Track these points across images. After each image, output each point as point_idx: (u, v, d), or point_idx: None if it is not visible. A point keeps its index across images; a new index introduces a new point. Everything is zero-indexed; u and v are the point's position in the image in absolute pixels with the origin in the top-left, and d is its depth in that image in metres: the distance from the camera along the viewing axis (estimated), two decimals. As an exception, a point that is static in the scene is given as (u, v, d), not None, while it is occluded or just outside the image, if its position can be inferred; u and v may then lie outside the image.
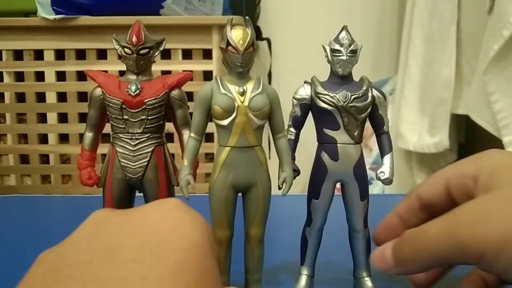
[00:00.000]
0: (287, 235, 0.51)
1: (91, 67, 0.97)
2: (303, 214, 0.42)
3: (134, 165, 0.39)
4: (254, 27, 0.38)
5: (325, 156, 0.40)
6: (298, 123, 0.41)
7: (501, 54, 0.90)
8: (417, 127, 1.22)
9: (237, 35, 0.37)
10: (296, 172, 0.41)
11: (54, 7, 0.97)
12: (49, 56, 1.03)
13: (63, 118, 1.06)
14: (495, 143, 0.96)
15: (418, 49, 1.21)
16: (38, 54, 1.04)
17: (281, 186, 0.39)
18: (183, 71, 0.56)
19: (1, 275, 0.46)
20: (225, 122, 0.37)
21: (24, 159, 1.08)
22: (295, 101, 0.41)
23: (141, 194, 0.41)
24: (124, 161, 0.39)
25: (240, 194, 0.39)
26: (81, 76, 1.03)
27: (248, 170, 0.38)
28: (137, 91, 0.39)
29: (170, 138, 0.42)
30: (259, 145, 0.38)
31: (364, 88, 0.39)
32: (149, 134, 0.39)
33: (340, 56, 0.39)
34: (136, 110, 0.39)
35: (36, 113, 1.05)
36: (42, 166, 1.08)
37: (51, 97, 1.05)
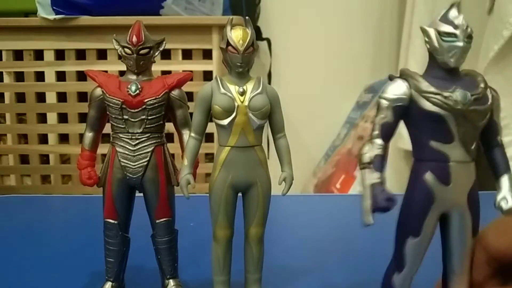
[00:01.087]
0: (287, 235, 0.51)
1: (91, 67, 0.97)
2: (303, 214, 0.42)
3: (134, 165, 0.39)
4: (254, 27, 0.38)
5: (430, 179, 0.30)
6: (388, 132, 0.30)
7: (501, 54, 0.90)
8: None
9: (237, 35, 0.37)
10: (394, 202, 0.30)
11: (54, 7, 0.97)
12: (49, 56, 1.03)
13: (63, 118, 1.06)
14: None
15: (418, 49, 1.21)
16: (38, 54, 1.04)
17: (279, 184, 0.39)
18: (183, 71, 0.56)
19: (1, 274, 0.46)
20: (225, 122, 0.37)
21: (24, 159, 1.08)
22: (385, 102, 0.31)
23: (141, 194, 0.41)
24: (124, 161, 0.39)
25: (240, 194, 0.39)
26: (81, 76, 1.03)
27: (248, 170, 0.38)
28: (137, 91, 0.39)
29: (170, 138, 0.42)
30: (259, 145, 0.38)
31: (482, 85, 0.30)
32: (149, 134, 0.39)
33: (454, 42, 0.30)
34: (136, 110, 0.39)
35: (36, 113, 1.05)
36: (42, 166, 1.08)
37: (51, 97, 1.05)
